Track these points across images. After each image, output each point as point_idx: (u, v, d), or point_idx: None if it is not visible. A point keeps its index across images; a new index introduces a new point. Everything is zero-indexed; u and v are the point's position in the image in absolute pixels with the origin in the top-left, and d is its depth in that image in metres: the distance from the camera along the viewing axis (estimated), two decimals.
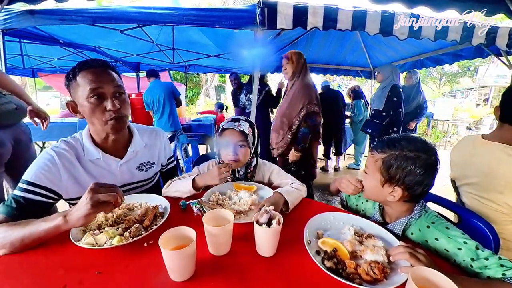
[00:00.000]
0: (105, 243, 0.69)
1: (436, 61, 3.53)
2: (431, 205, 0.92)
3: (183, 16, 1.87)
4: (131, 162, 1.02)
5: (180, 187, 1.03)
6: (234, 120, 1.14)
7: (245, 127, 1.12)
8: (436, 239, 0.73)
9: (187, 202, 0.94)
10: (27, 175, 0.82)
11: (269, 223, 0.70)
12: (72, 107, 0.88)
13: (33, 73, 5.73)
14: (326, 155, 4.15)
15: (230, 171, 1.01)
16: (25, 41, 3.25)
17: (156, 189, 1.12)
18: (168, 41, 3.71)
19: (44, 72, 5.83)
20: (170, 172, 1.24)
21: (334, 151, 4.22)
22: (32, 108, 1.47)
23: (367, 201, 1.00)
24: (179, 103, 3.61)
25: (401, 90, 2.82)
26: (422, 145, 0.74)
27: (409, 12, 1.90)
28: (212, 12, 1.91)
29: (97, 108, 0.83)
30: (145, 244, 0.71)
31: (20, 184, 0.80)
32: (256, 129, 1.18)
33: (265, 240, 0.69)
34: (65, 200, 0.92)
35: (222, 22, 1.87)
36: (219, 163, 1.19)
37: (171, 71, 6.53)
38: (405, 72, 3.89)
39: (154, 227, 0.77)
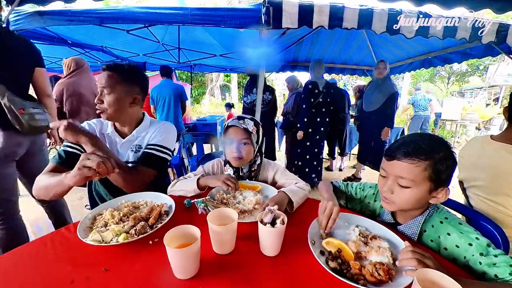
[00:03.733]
0: (111, 240, 0.70)
1: (445, 59, 3.45)
2: None
3: (189, 15, 1.88)
4: (128, 143, 1.15)
5: (185, 186, 1.05)
6: (239, 118, 1.15)
7: (250, 125, 1.13)
8: (448, 234, 0.73)
9: (192, 201, 0.95)
10: None
11: (273, 223, 0.70)
12: None
13: None
14: (331, 155, 4.13)
15: (234, 186, 0.99)
16: (34, 41, 3.30)
17: (160, 185, 1.15)
18: (173, 40, 3.73)
19: (53, 71, 5.91)
20: (145, 159, 1.09)
21: (338, 151, 4.19)
22: (52, 129, 1.55)
23: (374, 200, 0.99)
24: (184, 108, 3.61)
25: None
26: (439, 138, 0.74)
27: (417, 10, 1.86)
28: (217, 12, 1.91)
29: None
30: (150, 242, 0.72)
31: (64, 142, 1.05)
32: (261, 128, 1.19)
33: (269, 240, 0.69)
34: None
35: (227, 22, 1.87)
36: (224, 161, 1.22)
37: (176, 71, 6.57)
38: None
39: (159, 225, 0.77)
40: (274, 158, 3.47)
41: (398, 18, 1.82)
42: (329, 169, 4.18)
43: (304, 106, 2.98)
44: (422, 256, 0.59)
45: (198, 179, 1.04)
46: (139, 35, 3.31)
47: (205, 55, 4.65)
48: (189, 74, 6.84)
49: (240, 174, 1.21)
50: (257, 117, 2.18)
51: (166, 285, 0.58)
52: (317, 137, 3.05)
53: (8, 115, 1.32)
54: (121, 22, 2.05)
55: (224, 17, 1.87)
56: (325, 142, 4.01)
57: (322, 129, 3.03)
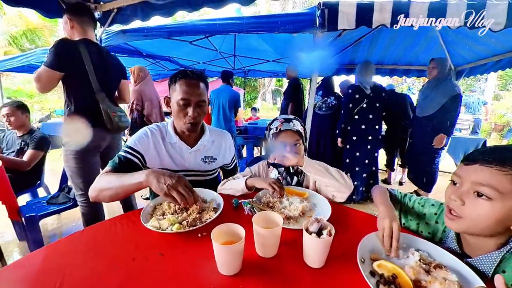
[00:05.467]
0: (167, 228, 0.78)
1: None
2: None
3: (244, 24, 1.97)
4: (198, 153, 1.19)
5: (234, 185, 1.10)
6: (287, 120, 1.16)
7: (298, 126, 1.15)
8: None
9: (239, 201, 0.98)
10: (129, 142, 1.09)
11: (319, 233, 0.67)
12: (167, 101, 1.13)
13: None
14: (389, 166, 3.71)
15: (279, 190, 0.98)
16: (118, 54, 3.99)
17: (213, 183, 1.23)
18: (230, 48, 3.99)
19: (129, 79, 7.01)
20: (232, 171, 1.36)
21: (399, 162, 3.74)
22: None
23: (435, 221, 0.83)
24: (236, 113, 3.79)
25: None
26: None
27: None
28: (271, 19, 1.95)
29: (181, 111, 1.06)
30: (199, 235, 0.78)
31: (123, 148, 1.08)
32: (305, 130, 1.20)
33: (314, 250, 0.66)
34: (146, 167, 1.11)
35: (280, 28, 1.89)
36: (268, 163, 1.26)
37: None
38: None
39: (208, 220, 0.82)
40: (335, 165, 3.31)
41: (481, 9, 1.53)
42: (386, 181, 3.75)
43: (342, 112, 2.79)
44: None
45: (246, 179, 1.07)
46: (200, 45, 3.65)
47: (259, 61, 4.82)
48: (243, 79, 7.16)
49: (285, 175, 1.21)
50: (308, 121, 2.13)
51: (210, 278, 0.61)
52: (368, 146, 2.73)
53: (104, 117, 1.63)
54: (185, 35, 2.30)
55: (278, 23, 1.90)
56: (383, 152, 3.66)
57: (370, 137, 2.71)
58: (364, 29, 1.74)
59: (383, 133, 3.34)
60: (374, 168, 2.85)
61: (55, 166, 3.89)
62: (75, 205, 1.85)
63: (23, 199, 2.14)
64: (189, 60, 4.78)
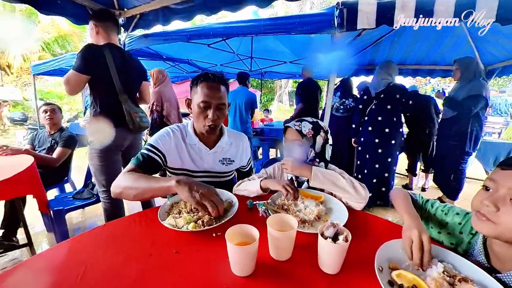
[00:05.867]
0: (183, 226, 0.79)
1: None
2: None
3: (261, 26, 1.98)
4: (216, 154, 1.21)
5: (249, 186, 1.10)
6: (299, 120, 1.16)
7: (305, 128, 1.12)
8: None
9: (254, 202, 0.98)
10: (151, 141, 1.12)
11: (335, 238, 0.65)
12: (188, 103, 1.15)
13: None
14: (411, 171, 3.54)
15: (293, 193, 0.97)
16: (140, 58, 4.15)
17: (229, 185, 1.24)
18: (247, 50, 4.02)
19: (149, 81, 7.28)
20: (247, 173, 1.37)
21: (422, 167, 3.57)
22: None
23: (460, 232, 0.78)
24: (252, 114, 3.81)
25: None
26: None
27: None
28: (289, 20, 1.95)
29: (201, 114, 1.08)
30: (214, 235, 0.78)
31: (145, 146, 1.11)
32: (322, 134, 1.14)
33: (329, 256, 0.64)
34: (167, 166, 1.14)
35: (298, 29, 1.88)
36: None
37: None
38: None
39: (223, 221, 0.83)
40: (351, 168, 3.24)
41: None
42: (408, 187, 3.55)
43: (355, 113, 2.73)
44: None
45: (261, 181, 1.07)
46: (218, 47, 3.72)
47: (275, 62, 4.82)
48: (259, 81, 7.19)
49: (299, 179, 1.19)
50: (325, 122, 2.08)
51: (223, 278, 0.62)
52: (379, 150, 2.57)
53: (126, 117, 1.71)
54: (203, 38, 2.35)
55: (295, 25, 1.88)
56: (405, 156, 3.50)
57: (377, 140, 2.56)
58: (384, 28, 1.68)
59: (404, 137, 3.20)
60: (386, 175, 2.68)
61: (81, 163, 4.13)
62: (98, 201, 1.95)
63: (51, 194, 2.29)
64: (207, 62, 4.88)
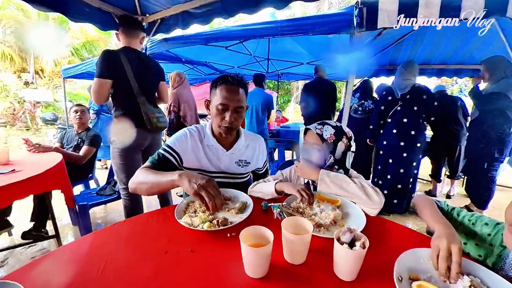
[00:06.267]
0: (198, 225, 0.81)
1: None
2: None
3: (279, 28, 1.98)
4: (233, 156, 1.21)
5: (264, 188, 1.10)
6: (321, 123, 1.12)
7: (327, 132, 1.08)
8: None
9: (269, 204, 0.98)
10: (168, 141, 1.15)
11: (351, 244, 0.63)
12: (207, 104, 1.17)
13: None
14: (435, 177, 3.34)
15: (308, 198, 0.95)
16: (161, 61, 4.31)
17: (244, 186, 1.24)
18: (264, 52, 4.03)
19: (168, 83, 7.52)
20: (263, 175, 1.37)
21: (447, 173, 3.36)
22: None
23: (489, 244, 0.72)
24: (269, 116, 3.79)
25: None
26: None
27: None
28: (306, 21, 1.92)
29: (219, 115, 1.09)
30: (228, 235, 0.79)
31: (163, 146, 1.14)
32: (345, 140, 1.10)
33: (345, 262, 0.62)
34: (183, 166, 1.17)
35: (315, 29, 1.85)
36: None
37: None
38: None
39: (237, 221, 0.84)
40: (369, 171, 3.14)
41: None
42: (431, 194, 3.35)
43: (373, 113, 2.63)
44: None
45: (276, 183, 1.06)
46: (235, 50, 3.76)
47: (292, 63, 4.79)
48: (276, 82, 7.17)
49: (316, 184, 1.16)
50: (343, 124, 2.02)
51: (236, 278, 0.62)
52: (404, 154, 2.45)
53: (144, 118, 1.77)
54: (221, 40, 2.39)
55: (313, 25, 1.86)
56: (428, 161, 3.32)
57: (403, 143, 2.43)
58: (407, 26, 1.61)
59: (427, 140, 3.04)
60: (412, 179, 2.56)
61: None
62: (119, 197, 2.04)
63: (77, 190, 2.43)
64: (225, 64, 4.95)
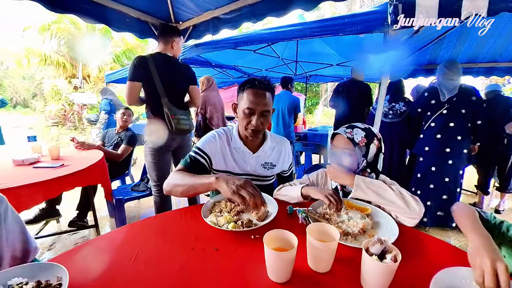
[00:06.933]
0: (223, 225, 0.83)
1: None
2: None
3: (307, 29, 1.95)
4: (259, 158, 1.22)
5: (289, 192, 1.08)
6: (350, 127, 1.07)
7: (358, 135, 1.03)
8: None
9: (294, 208, 0.96)
10: (198, 144, 1.18)
11: (381, 256, 0.59)
12: (234, 107, 1.19)
13: None
14: (482, 188, 2.99)
15: (336, 204, 0.91)
16: (192, 66, 4.50)
17: (270, 189, 1.25)
18: (292, 54, 4.01)
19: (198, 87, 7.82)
20: (288, 178, 1.36)
21: (497, 184, 3.00)
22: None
23: None
24: (295, 119, 3.75)
25: None
26: None
27: None
28: (336, 21, 1.87)
29: (245, 119, 1.10)
30: (252, 237, 0.79)
31: (193, 149, 1.18)
32: (376, 142, 1.05)
33: (374, 275, 0.58)
34: (212, 168, 1.20)
35: (346, 29, 1.80)
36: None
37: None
38: None
39: (262, 224, 0.84)
40: (402, 180, 2.92)
41: None
42: (476, 206, 3.04)
43: (410, 116, 2.45)
44: None
45: (302, 187, 1.04)
46: (263, 53, 3.80)
47: (321, 65, 4.70)
48: (304, 85, 7.07)
49: (345, 189, 1.11)
50: (376, 129, 1.91)
51: (259, 281, 0.62)
52: (449, 161, 2.23)
53: (166, 119, 1.85)
54: (249, 44, 2.43)
55: (343, 25, 1.81)
56: (473, 170, 3.01)
57: (449, 149, 2.21)
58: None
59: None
60: (458, 190, 2.32)
61: (139, 160, 4.66)
62: (151, 194, 2.17)
63: (114, 185, 2.64)
64: (253, 68, 5.02)
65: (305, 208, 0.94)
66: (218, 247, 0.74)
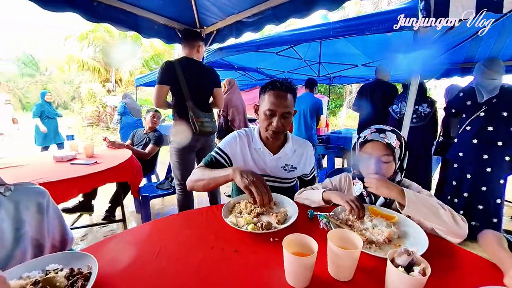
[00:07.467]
0: (243, 226, 0.83)
1: None
2: None
3: (331, 30, 1.91)
4: (280, 160, 1.22)
5: (310, 196, 1.06)
6: (379, 130, 1.02)
7: (392, 139, 0.98)
8: None
9: (315, 213, 0.94)
10: (220, 144, 1.22)
11: (408, 268, 0.56)
12: (256, 109, 1.20)
13: None
14: None
15: (358, 211, 0.87)
16: (216, 69, 4.61)
17: (290, 192, 1.23)
18: (315, 56, 3.93)
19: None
20: (310, 182, 1.33)
21: None
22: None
23: None
24: (318, 121, 3.68)
25: None
26: None
27: None
28: (362, 20, 1.81)
29: (266, 120, 1.11)
30: (271, 239, 0.79)
31: (215, 149, 1.22)
32: (404, 141, 1.01)
33: None
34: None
35: (372, 28, 1.72)
36: (353, 174, 1.13)
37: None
38: None
39: (281, 227, 0.83)
40: (429, 189, 2.73)
41: None
42: None
43: (445, 120, 2.28)
44: None
45: (324, 191, 1.02)
46: (286, 55, 3.77)
47: (346, 66, 4.57)
48: (328, 86, 6.90)
49: (373, 196, 1.06)
50: (404, 133, 1.79)
51: (277, 285, 0.61)
52: (487, 169, 2.00)
53: (190, 121, 1.92)
54: (272, 46, 2.44)
55: (369, 24, 1.74)
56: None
57: (487, 156, 1.99)
58: (487, 16, 1.35)
59: None
60: (499, 201, 2.06)
61: (164, 159, 4.87)
62: (174, 192, 2.26)
63: (141, 182, 2.78)
64: (275, 70, 5.02)
65: (327, 213, 0.91)
66: (237, 248, 0.75)
